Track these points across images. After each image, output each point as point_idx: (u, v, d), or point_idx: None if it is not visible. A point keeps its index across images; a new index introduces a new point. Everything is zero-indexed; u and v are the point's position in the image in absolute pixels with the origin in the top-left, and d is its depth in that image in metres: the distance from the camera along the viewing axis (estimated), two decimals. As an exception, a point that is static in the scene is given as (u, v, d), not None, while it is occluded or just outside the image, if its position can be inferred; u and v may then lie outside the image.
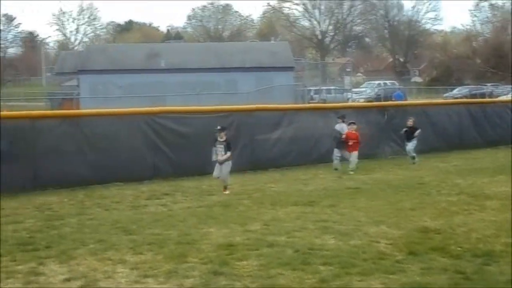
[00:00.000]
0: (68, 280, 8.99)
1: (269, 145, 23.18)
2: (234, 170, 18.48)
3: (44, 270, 9.59)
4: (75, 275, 9.25)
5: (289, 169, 22.44)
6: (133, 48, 64.87)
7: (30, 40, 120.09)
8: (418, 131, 23.54)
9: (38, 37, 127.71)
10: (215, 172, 17.65)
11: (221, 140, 17.56)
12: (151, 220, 13.69)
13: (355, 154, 21.42)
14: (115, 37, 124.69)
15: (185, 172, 20.86)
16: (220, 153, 17.49)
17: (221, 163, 17.48)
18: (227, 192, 17.48)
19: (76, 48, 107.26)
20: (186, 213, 14.47)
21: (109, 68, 55.72)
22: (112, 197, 17.17)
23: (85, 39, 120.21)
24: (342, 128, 22.04)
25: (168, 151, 21.09)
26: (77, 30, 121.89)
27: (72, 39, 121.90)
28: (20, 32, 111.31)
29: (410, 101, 50.60)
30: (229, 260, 9.87)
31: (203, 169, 20.60)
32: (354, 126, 21.55)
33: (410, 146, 23.69)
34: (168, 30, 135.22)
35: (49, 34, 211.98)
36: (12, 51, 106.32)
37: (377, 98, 58.30)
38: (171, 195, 17.39)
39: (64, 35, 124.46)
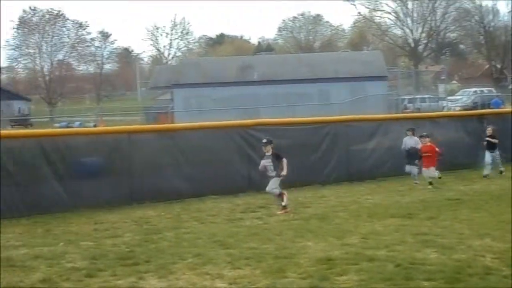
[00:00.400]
0: (168, 294, 8.97)
1: (365, 156, 22.83)
2: (331, 181, 18.28)
3: (144, 284, 9.62)
4: (174, 290, 9.24)
5: (385, 180, 21.99)
6: (225, 61, 65.45)
7: (125, 56, 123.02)
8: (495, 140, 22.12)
9: (133, 52, 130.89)
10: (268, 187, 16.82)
11: (268, 154, 16.77)
12: (248, 233, 13.62)
13: (432, 169, 19.84)
14: (207, 50, 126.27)
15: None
16: (269, 167, 16.68)
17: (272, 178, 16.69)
18: (281, 212, 16.26)
19: (169, 62, 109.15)
20: (282, 226, 14.33)
21: (202, 82, 56.36)
22: (208, 210, 17.22)
23: (178, 54, 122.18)
24: (413, 141, 20.94)
25: (263, 163, 20.98)
26: (170, 44, 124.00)
27: (166, 53, 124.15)
28: (115, 48, 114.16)
29: (509, 108, 49.10)
30: (328, 275, 9.66)
31: (298, 181, 20.50)
32: (427, 139, 20.13)
33: (489, 157, 22.01)
34: (259, 42, 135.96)
35: (143, 49, 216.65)
36: (108, 67, 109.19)
37: (474, 106, 56.88)
38: (266, 208, 17.29)
39: (158, 50, 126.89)
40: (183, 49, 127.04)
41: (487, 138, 22.22)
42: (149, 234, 14.10)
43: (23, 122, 62.52)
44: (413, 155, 20.67)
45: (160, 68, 76.69)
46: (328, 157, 22.07)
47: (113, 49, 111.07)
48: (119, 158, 19.24)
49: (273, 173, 16.55)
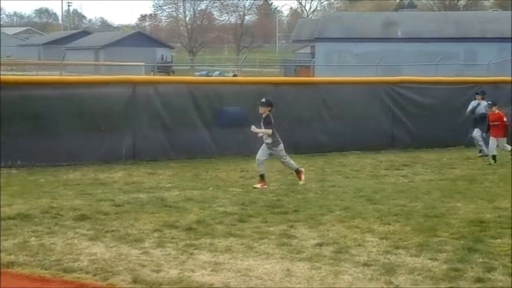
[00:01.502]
0: (320, 245, 9.09)
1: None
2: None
3: (295, 233, 9.79)
4: (326, 240, 9.36)
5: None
6: (368, 17, 64.54)
7: (265, 8, 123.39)
8: None
9: (273, 5, 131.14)
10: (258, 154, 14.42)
11: (264, 116, 14.26)
12: (394, 190, 13.56)
13: (502, 140, 18.00)
14: (347, 6, 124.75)
15: (424, 144, 20.48)
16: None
17: (268, 145, 14.30)
18: (301, 181, 14.29)
19: (309, 16, 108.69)
20: (429, 186, 14.18)
21: (344, 37, 55.82)
22: (351, 165, 17.25)
23: (319, 8, 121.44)
24: (481, 107, 19.26)
25: (407, 121, 20.78)
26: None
27: (307, 7, 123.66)
28: (256, 0, 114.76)
29: None
30: (482, 237, 9.49)
31: (443, 141, 20.18)
32: (494, 107, 18.23)
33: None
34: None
35: (284, 2, 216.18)
36: (247, 18, 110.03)
37: None
38: (410, 166, 17.15)
39: (300, 3, 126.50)
40: (324, 3, 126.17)
41: None
42: (294, 185, 14.30)
43: (165, 69, 64.14)
44: (479, 122, 19.02)
45: (302, 22, 76.52)
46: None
47: (254, 0, 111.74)
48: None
49: (269, 140, 14.23)
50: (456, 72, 37.60)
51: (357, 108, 20.42)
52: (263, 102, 14.31)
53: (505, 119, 18.06)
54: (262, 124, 14.16)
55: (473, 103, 19.56)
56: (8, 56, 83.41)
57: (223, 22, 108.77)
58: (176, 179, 14.89)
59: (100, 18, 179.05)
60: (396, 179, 15.33)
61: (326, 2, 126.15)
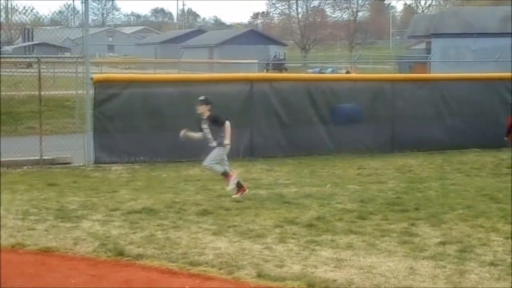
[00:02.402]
0: (443, 243, 8.97)
1: None
2: None
3: (417, 231, 9.68)
4: (450, 239, 9.21)
5: None
6: (487, 11, 62.60)
7: (378, 4, 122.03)
8: None
9: (386, 1, 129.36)
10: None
11: (204, 118, 12.46)
12: (518, 189, 13.19)
13: None
14: (463, 0, 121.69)
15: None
16: (207, 135, 12.47)
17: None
18: (236, 195, 12.22)
19: (425, 11, 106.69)
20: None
21: (461, 32, 54.39)
22: (471, 163, 16.89)
23: (434, 3, 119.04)
24: None
25: (530, 118, 20.09)
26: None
27: (422, 2, 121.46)
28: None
29: None
30: None
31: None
32: None
33: None
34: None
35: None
36: (361, 14, 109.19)
37: None
38: (534, 165, 16.60)
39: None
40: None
41: None
42: (413, 182, 14.16)
43: (278, 66, 64.44)
44: None
45: (418, 17, 75.14)
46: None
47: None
48: (382, 106, 19.35)
49: (214, 143, 12.42)
50: None
51: (477, 105, 19.98)
52: (201, 100, 12.54)
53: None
54: (207, 126, 12.37)
55: None
56: (125, 55, 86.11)
57: (336, 19, 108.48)
58: (294, 176, 15.00)
59: (214, 16, 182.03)
60: (519, 178, 14.90)
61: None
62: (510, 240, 9.14)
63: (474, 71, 29.32)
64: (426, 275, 7.64)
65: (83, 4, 16.51)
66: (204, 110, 12.44)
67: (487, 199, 12.09)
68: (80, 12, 18.29)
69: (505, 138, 17.31)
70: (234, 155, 16.98)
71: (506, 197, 12.28)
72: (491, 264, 8.05)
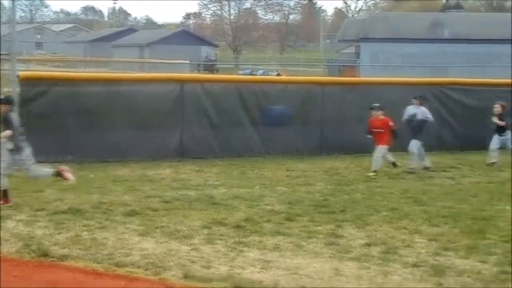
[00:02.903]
0: (368, 245, 9.14)
1: None
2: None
3: (343, 233, 9.84)
4: (374, 240, 9.39)
5: None
6: (415, 17, 63.92)
7: (309, 7, 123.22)
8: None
9: (317, 4, 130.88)
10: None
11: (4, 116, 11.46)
12: (440, 192, 13.52)
13: (380, 148, 15.81)
14: (393, 5, 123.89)
15: (471, 146, 20.28)
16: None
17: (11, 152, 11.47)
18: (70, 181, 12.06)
19: (354, 16, 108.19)
20: (477, 188, 14.09)
21: (390, 37, 55.42)
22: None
23: (364, 7, 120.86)
24: (418, 112, 16.77)
25: (454, 123, 20.60)
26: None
27: (352, 6, 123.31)
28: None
29: None
30: (533, 241, 9.43)
31: (486, 145, 20.03)
32: (379, 112, 15.90)
33: (495, 142, 17.69)
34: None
35: (329, 2, 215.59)
36: (292, 17, 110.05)
37: None
38: (457, 168, 17.04)
39: (345, 2, 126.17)
40: (369, 3, 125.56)
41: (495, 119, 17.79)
42: (340, 184, 14.34)
43: (209, 67, 64.43)
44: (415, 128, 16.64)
45: (348, 21, 76.19)
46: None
47: (299, 0, 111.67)
48: (312, 109, 19.51)
49: (10, 145, 11.40)
50: (504, 74, 37.08)
51: (403, 109, 20.30)
52: (1, 99, 11.67)
53: (391, 123, 15.81)
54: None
55: (409, 109, 17.05)
56: (54, 53, 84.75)
57: (268, 21, 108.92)
58: (223, 177, 15.02)
59: (145, 16, 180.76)
60: (442, 181, 15.25)
61: (371, 2, 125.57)
62: (433, 242, 9.36)
63: (402, 75, 29.90)
64: (351, 276, 7.78)
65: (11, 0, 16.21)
66: (5, 110, 11.38)
67: (411, 202, 12.35)
68: (7, 8, 17.94)
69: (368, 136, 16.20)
70: (163, 156, 17.05)
71: (430, 200, 12.58)
72: (414, 265, 8.23)
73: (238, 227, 10.02)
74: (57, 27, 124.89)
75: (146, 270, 7.84)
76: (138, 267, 7.94)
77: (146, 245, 8.85)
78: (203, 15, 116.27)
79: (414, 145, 16.48)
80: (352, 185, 14.32)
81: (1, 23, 21.03)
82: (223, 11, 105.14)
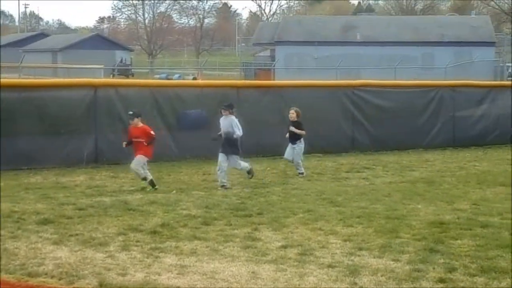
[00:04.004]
0: (284, 247, 9.18)
1: (471, 123, 22.45)
2: (434, 146, 18.05)
3: (259, 236, 9.86)
4: (291, 242, 9.44)
5: (491, 148, 21.71)
6: (328, 20, 64.90)
7: (224, 11, 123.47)
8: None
9: (232, 7, 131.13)
10: None
11: None
12: (355, 193, 13.72)
13: (137, 159, 14.23)
14: (307, 9, 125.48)
15: (384, 146, 20.73)
16: None
17: None
18: None
19: (269, 19, 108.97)
20: (390, 188, 14.36)
21: (304, 40, 56.08)
22: (313, 168, 17.36)
23: (278, 11, 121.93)
24: (227, 123, 14.85)
25: (367, 124, 20.99)
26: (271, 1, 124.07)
27: (267, 9, 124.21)
28: (216, 3, 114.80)
29: None
30: (443, 238, 9.66)
31: (402, 144, 20.51)
32: (135, 120, 14.27)
33: (289, 152, 16.35)
34: (359, 2, 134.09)
35: (244, 5, 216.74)
36: (207, 21, 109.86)
37: None
38: (371, 169, 17.34)
39: (259, 6, 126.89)
40: (283, 6, 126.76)
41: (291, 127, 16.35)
42: (257, 187, 14.40)
43: (124, 72, 63.75)
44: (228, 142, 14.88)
45: (263, 25, 76.65)
46: (433, 122, 21.87)
47: (214, 3, 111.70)
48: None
49: None
50: (414, 76, 38.06)
51: (318, 111, 20.52)
52: None
53: (152, 132, 14.38)
54: None
55: (222, 122, 14.99)
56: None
57: (183, 25, 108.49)
58: (139, 182, 14.84)
59: (58, 20, 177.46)
60: (357, 181, 15.50)
61: (285, 5, 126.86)
62: (347, 242, 9.48)
63: (317, 78, 30.30)
64: (267, 279, 7.80)
65: None
66: None
67: (327, 203, 12.49)
68: None
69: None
70: (77, 162, 16.75)
71: (345, 201, 12.75)
72: (329, 266, 8.32)
73: (154, 232, 9.93)
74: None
75: (60, 279, 7.68)
76: (52, 276, 7.76)
77: (59, 254, 8.67)
78: (117, 19, 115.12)
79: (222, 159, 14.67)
80: (268, 187, 14.41)
81: None
82: (137, 15, 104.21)
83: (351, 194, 13.52)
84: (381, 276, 7.95)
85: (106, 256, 8.64)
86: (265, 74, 47.10)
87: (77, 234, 9.75)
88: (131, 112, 14.62)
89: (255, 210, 11.75)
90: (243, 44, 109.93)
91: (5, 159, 15.96)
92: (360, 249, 9.12)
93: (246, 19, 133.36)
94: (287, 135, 16.44)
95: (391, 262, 8.50)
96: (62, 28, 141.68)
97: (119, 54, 78.89)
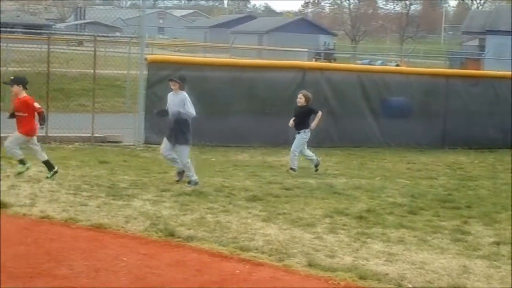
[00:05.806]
0: (497, 243, 8.82)
1: None
2: None
3: (469, 229, 9.53)
4: (504, 239, 9.05)
5: None
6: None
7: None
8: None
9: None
10: None
11: None
12: None
13: (14, 137, 11.48)
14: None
15: None
16: None
17: None
18: None
19: (480, 8, 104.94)
20: None
21: (517, 29, 53.21)
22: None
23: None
24: (177, 100, 11.73)
25: None
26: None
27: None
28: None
29: None
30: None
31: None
32: (16, 87, 11.34)
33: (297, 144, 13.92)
34: None
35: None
36: (413, 8, 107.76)
37: None
38: None
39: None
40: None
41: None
42: (464, 180, 13.98)
43: (327, 56, 64.02)
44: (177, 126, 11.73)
45: (474, 13, 73.88)
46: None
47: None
48: (434, 101, 19.09)
49: None
50: None
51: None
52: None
53: (36, 105, 11.43)
54: None
55: (170, 97, 11.98)
56: (175, 38, 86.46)
57: (388, 11, 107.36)
58: (343, 167, 14.92)
59: (264, 3, 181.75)
60: None
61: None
62: None
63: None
64: (480, 275, 7.52)
65: (137, -16, 16.62)
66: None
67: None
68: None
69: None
70: (282, 142, 16.99)
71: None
72: (548, 267, 7.88)
73: (360, 217, 9.89)
74: (178, 13, 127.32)
75: (270, 256, 7.83)
76: (262, 252, 7.94)
77: (269, 231, 8.86)
78: (322, 3, 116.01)
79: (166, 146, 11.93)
80: (477, 181, 13.94)
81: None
82: (342, 0, 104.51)
83: None
84: None
85: (314, 237, 8.71)
86: (473, 64, 45.39)
87: (284, 213, 9.92)
88: (12, 77, 11.85)
89: (463, 202, 11.39)
90: (449, 33, 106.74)
91: (215, 136, 16.59)
92: None
93: (454, 7, 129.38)
94: (290, 122, 13.97)
95: None
96: (268, 11, 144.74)
97: (323, 39, 79.36)
